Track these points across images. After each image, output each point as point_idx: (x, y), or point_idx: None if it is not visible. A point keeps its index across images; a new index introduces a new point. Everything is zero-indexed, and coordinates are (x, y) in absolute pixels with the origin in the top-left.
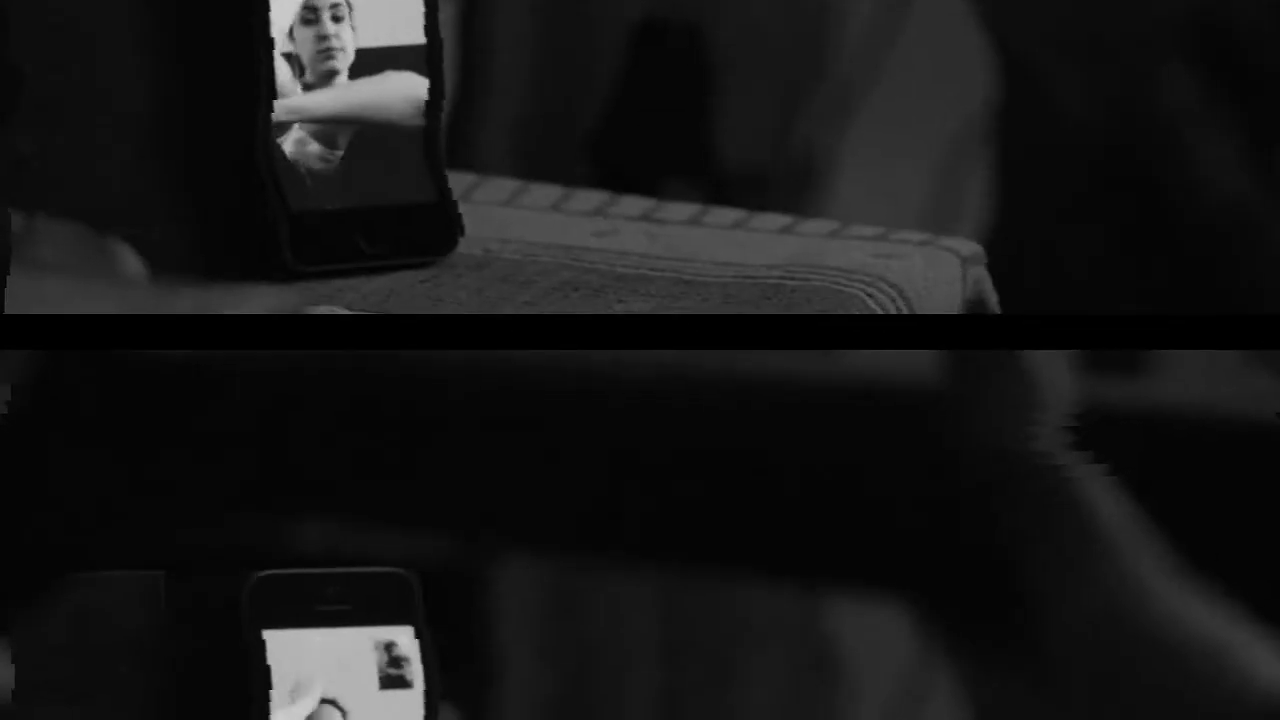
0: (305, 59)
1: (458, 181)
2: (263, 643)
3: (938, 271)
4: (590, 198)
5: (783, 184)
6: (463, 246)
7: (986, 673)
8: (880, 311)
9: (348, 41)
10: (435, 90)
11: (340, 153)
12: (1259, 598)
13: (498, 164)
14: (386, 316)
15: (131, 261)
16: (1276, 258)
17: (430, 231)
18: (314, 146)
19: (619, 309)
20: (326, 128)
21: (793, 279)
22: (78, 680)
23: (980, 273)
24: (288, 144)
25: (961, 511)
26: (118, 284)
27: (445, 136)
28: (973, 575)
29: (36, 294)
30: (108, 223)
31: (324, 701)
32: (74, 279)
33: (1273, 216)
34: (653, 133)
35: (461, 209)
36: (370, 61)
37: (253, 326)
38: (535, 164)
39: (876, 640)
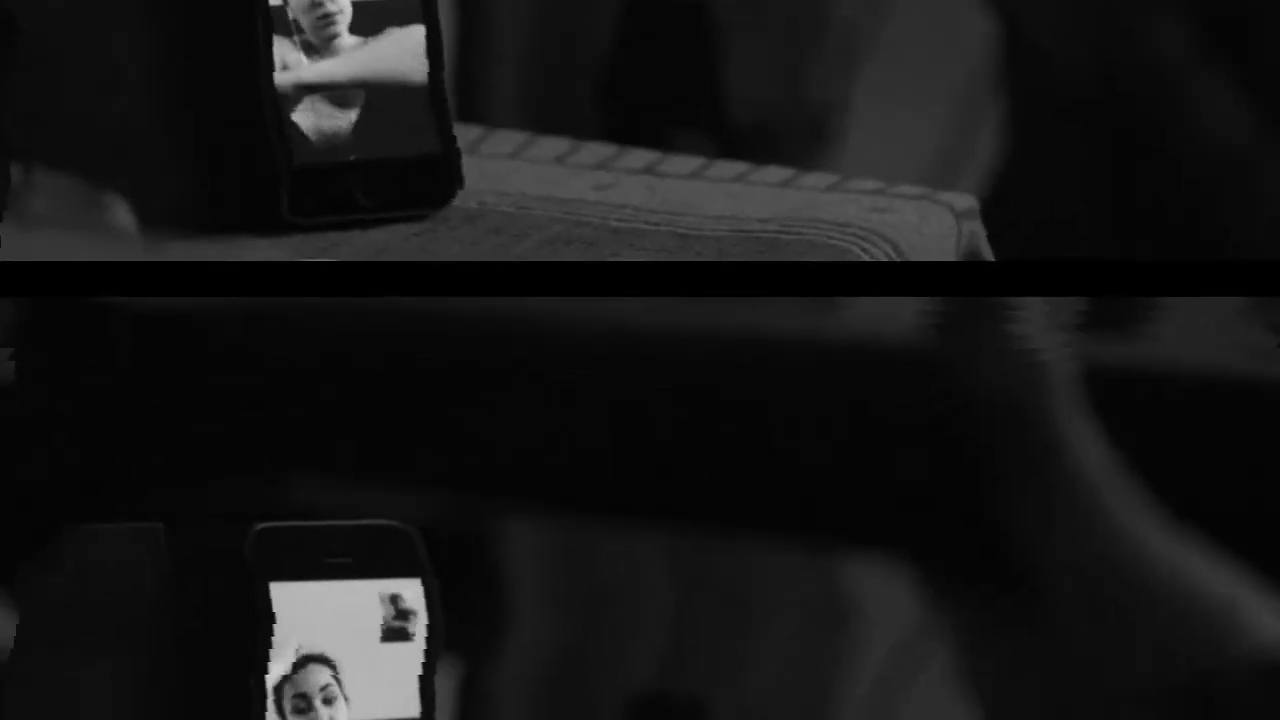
0: (305, 25)
1: (466, 134)
2: (268, 594)
3: (932, 226)
4: (596, 151)
5: (793, 134)
6: (459, 200)
7: (981, 625)
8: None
9: (344, 3)
10: (435, 41)
11: (354, 113)
12: (1253, 551)
13: (508, 117)
14: (380, 264)
15: (124, 215)
16: (1271, 207)
17: (429, 184)
18: (326, 108)
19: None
20: (338, 93)
21: (788, 233)
22: (77, 634)
23: (975, 227)
24: (299, 111)
25: (956, 467)
26: (109, 238)
27: (454, 90)
28: (967, 530)
29: (27, 247)
30: (105, 175)
31: (312, 658)
32: (65, 232)
33: (1268, 166)
34: (662, 84)
35: (466, 162)
36: (368, 16)
37: (245, 274)
38: (546, 116)
39: (883, 592)
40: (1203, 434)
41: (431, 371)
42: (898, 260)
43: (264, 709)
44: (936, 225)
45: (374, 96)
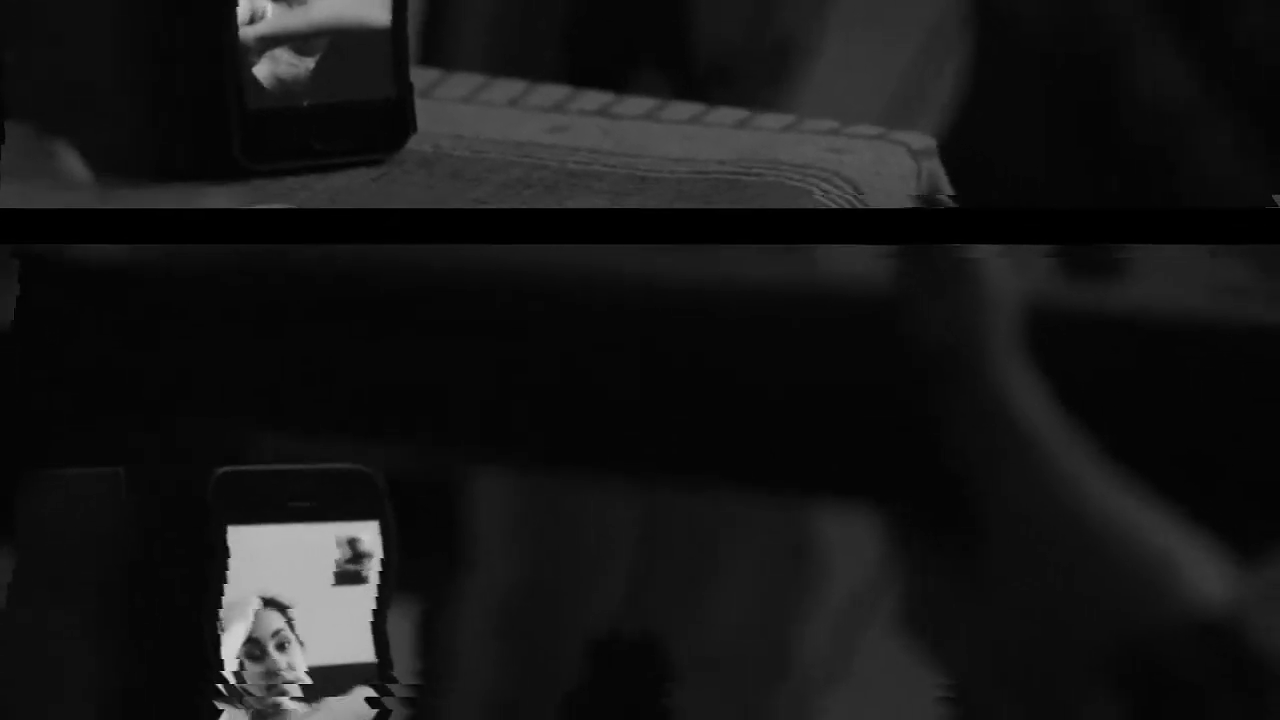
0: None
1: (422, 77)
2: (224, 538)
3: (890, 166)
4: (551, 93)
5: (754, 75)
6: (414, 143)
7: (931, 571)
8: (832, 206)
9: None
10: None
11: (313, 60)
12: (1200, 501)
13: (470, 59)
14: (336, 211)
15: (76, 165)
16: (1219, 158)
17: (383, 129)
18: (286, 55)
19: (569, 205)
20: (301, 42)
21: (747, 174)
22: (36, 577)
23: (935, 166)
24: (261, 62)
25: (910, 416)
26: (62, 186)
27: (416, 33)
28: (922, 477)
29: None
30: (57, 124)
31: (266, 603)
32: (18, 181)
33: (1216, 118)
34: (626, 24)
35: (420, 105)
36: None
37: (204, 221)
38: (508, 58)
39: (843, 537)
40: (1157, 381)
41: (396, 321)
42: (858, 201)
43: (218, 657)
44: (895, 165)
45: (337, 41)
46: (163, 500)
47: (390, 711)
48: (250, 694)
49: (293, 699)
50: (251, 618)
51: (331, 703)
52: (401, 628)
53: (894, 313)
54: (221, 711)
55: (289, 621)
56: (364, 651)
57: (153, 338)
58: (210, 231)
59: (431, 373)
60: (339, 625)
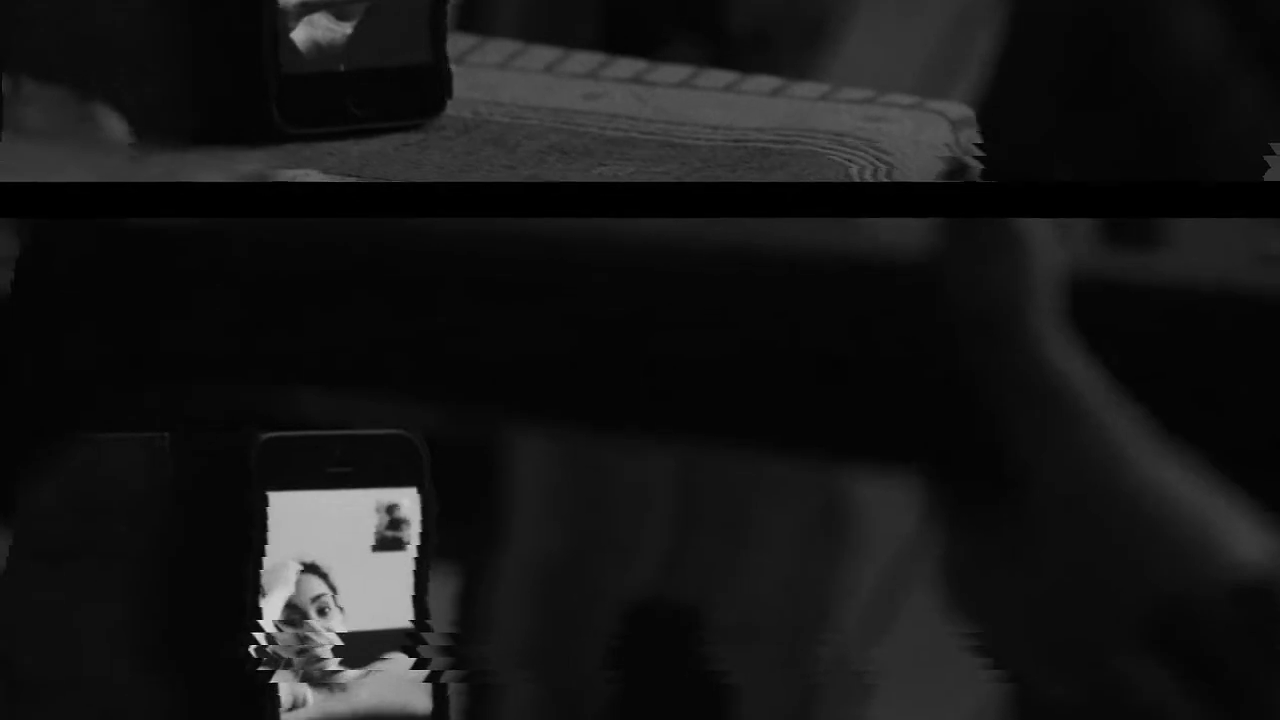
0: None
1: (458, 44)
2: (265, 504)
3: (927, 135)
4: (585, 60)
5: (789, 43)
6: (452, 109)
7: (970, 535)
8: (859, 175)
9: None
10: None
11: (350, 25)
12: (1248, 472)
13: (506, 26)
14: (362, 185)
15: (115, 126)
16: (1243, 126)
17: (421, 94)
18: (324, 20)
19: (598, 173)
20: (338, 6)
21: (780, 143)
22: (74, 543)
23: (972, 135)
24: (300, 26)
25: (951, 379)
26: (99, 149)
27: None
28: (963, 442)
29: (19, 159)
30: (95, 87)
31: (306, 568)
32: (58, 144)
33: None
34: None
35: (456, 71)
36: None
37: (230, 194)
38: (543, 25)
39: (881, 504)
40: (1197, 349)
41: (436, 283)
42: (893, 169)
43: (258, 621)
44: (931, 134)
45: (375, 6)
46: (206, 466)
47: (442, 678)
48: (295, 658)
49: (339, 663)
50: (292, 583)
51: (379, 668)
52: (442, 594)
53: (934, 276)
54: (272, 675)
55: (330, 588)
56: (404, 617)
57: (193, 302)
58: (243, 205)
59: (471, 335)
60: (380, 591)
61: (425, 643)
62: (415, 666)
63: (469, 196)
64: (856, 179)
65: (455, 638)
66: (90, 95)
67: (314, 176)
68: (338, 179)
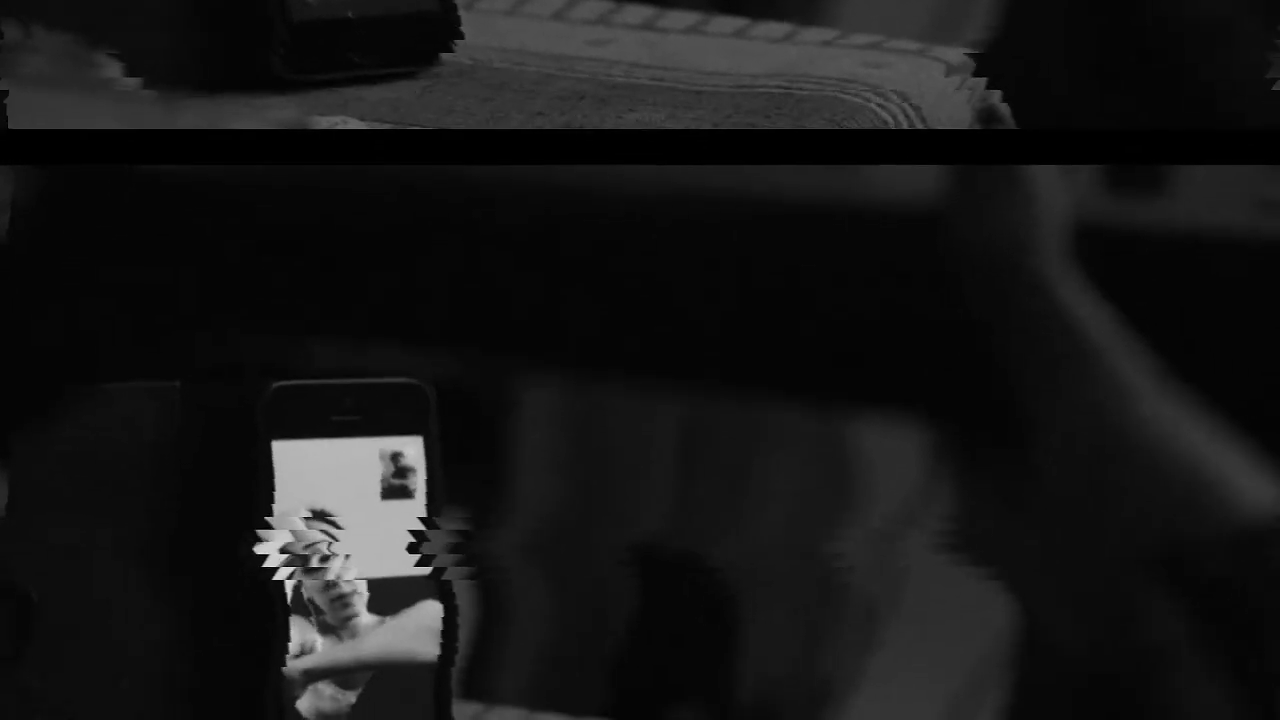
0: None
1: None
2: (270, 452)
3: (929, 81)
4: (593, 6)
5: None
6: (463, 57)
7: (978, 480)
8: (890, 120)
9: None
10: None
11: None
12: (1251, 416)
13: None
14: (390, 132)
15: (120, 74)
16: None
17: (427, 41)
18: None
19: (630, 118)
20: None
21: (800, 89)
22: (84, 490)
23: (976, 82)
24: None
25: (959, 325)
26: (106, 96)
27: None
28: (971, 387)
29: (33, 107)
30: (101, 34)
31: (315, 515)
32: (62, 91)
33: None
34: None
35: (463, 18)
36: None
37: (255, 141)
38: None
39: (887, 450)
40: (1207, 295)
41: (443, 231)
42: (913, 113)
43: (267, 566)
44: (933, 81)
45: None
46: (215, 415)
47: (457, 624)
48: (314, 606)
49: (360, 611)
50: (302, 531)
51: (400, 615)
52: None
53: (940, 222)
54: (288, 625)
55: (338, 535)
56: (414, 565)
57: (204, 250)
58: (258, 153)
59: (479, 282)
60: (389, 539)
61: (445, 591)
62: (435, 614)
63: (491, 145)
64: (890, 123)
65: (468, 583)
66: (97, 42)
67: (352, 123)
68: (375, 125)
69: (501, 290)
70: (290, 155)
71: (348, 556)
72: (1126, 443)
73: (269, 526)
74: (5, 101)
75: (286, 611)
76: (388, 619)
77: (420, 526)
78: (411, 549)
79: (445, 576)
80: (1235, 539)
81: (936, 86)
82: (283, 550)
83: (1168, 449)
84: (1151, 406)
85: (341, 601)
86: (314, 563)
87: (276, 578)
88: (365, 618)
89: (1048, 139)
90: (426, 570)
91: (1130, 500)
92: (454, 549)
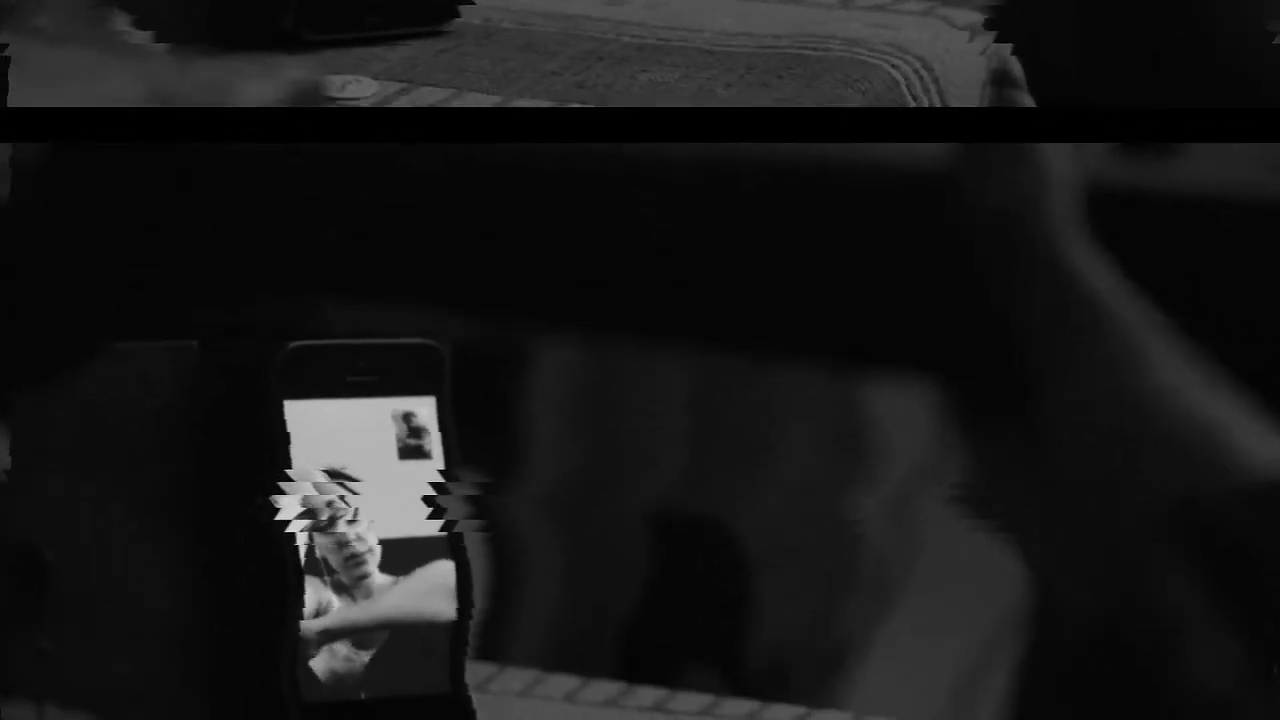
0: None
1: None
2: (282, 412)
3: (944, 42)
4: None
5: None
6: (476, 19)
7: (984, 441)
8: (902, 80)
9: None
10: None
11: None
12: (1264, 382)
13: None
14: (402, 111)
15: (130, 30)
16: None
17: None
18: None
19: (645, 79)
20: None
21: (815, 50)
22: (102, 448)
23: (988, 41)
24: None
25: (974, 290)
26: (129, 53)
27: None
28: (982, 354)
29: (43, 63)
30: None
31: (330, 474)
32: (70, 47)
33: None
34: None
35: None
36: None
37: (266, 119)
38: None
39: (901, 411)
40: (1218, 257)
41: (459, 195)
42: (928, 76)
43: (282, 526)
44: (950, 41)
45: None
46: (232, 374)
47: (471, 583)
48: (327, 565)
49: (373, 570)
50: (318, 491)
51: (413, 575)
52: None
53: (951, 183)
54: (302, 584)
55: (355, 495)
56: (432, 525)
57: (222, 211)
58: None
59: (496, 245)
60: (407, 499)
61: (459, 551)
62: (450, 573)
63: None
64: (902, 83)
65: (485, 542)
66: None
67: (366, 84)
68: (390, 84)
69: (518, 253)
70: (294, 133)
71: (363, 516)
72: (1137, 405)
73: (283, 486)
74: (10, 56)
75: (300, 571)
76: (400, 579)
77: (434, 487)
78: (426, 509)
79: (459, 537)
80: (1246, 498)
81: (950, 46)
82: (300, 509)
83: (1178, 410)
84: (1162, 369)
85: (355, 561)
86: (331, 521)
87: (291, 537)
88: (378, 577)
89: (1060, 118)
90: (441, 530)
91: (1141, 461)
92: (468, 509)
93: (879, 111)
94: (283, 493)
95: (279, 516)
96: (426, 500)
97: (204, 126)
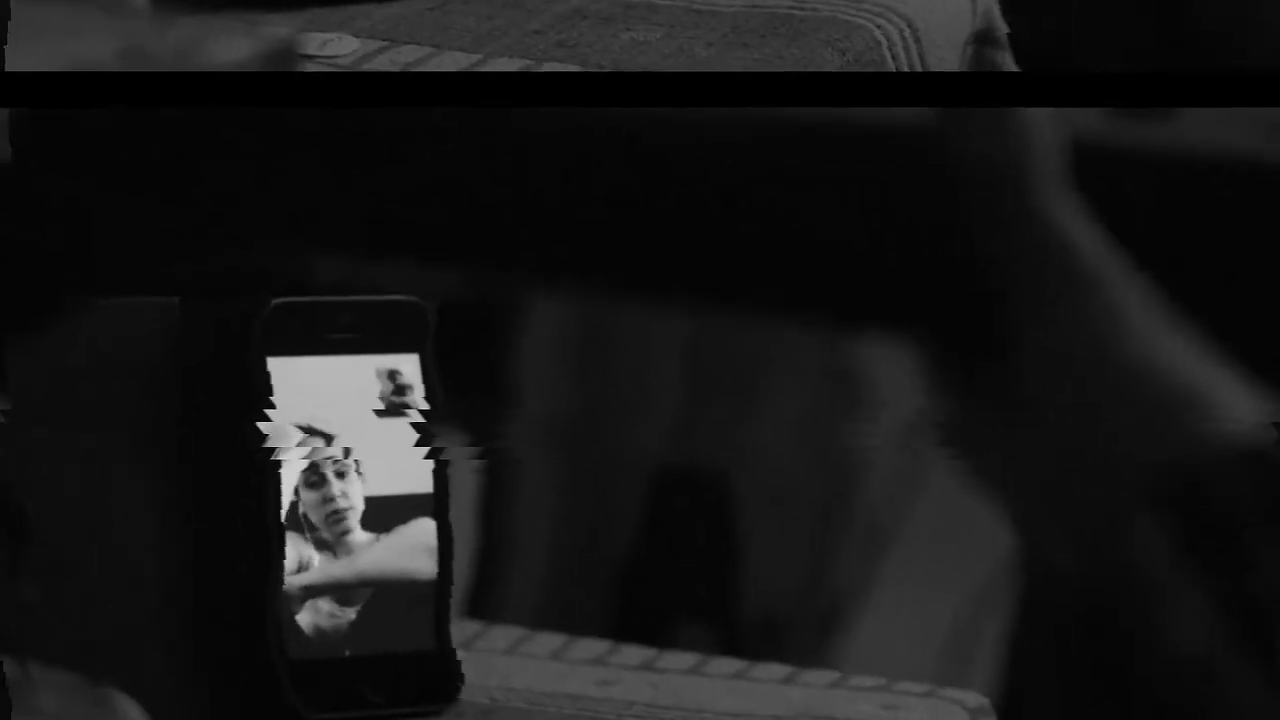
0: None
1: None
2: (265, 369)
3: (946, 4)
4: None
5: None
6: None
7: (966, 400)
8: (884, 40)
9: None
10: None
11: None
12: (1247, 343)
13: None
14: (384, 76)
15: None
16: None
17: None
18: None
19: (626, 38)
20: None
21: (801, 9)
22: (83, 405)
23: (989, 3)
24: None
25: (951, 243)
26: (111, 9)
27: None
28: (963, 306)
29: (23, 19)
30: None
31: (314, 431)
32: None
33: None
34: None
35: None
36: None
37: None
38: None
39: (894, 368)
40: (1197, 215)
41: (450, 147)
42: (911, 36)
43: (277, 481)
44: (950, 2)
45: None
46: (216, 331)
47: (452, 540)
48: (308, 522)
49: (354, 527)
50: (307, 447)
51: (394, 532)
52: (458, 461)
53: (937, 140)
54: (284, 540)
55: (345, 451)
56: (424, 482)
57: (207, 166)
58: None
59: (485, 198)
60: (394, 457)
61: (443, 510)
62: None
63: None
64: (884, 44)
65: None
66: None
67: (347, 41)
68: (371, 42)
69: (508, 206)
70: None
71: (352, 471)
72: (1115, 363)
73: (265, 443)
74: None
75: (281, 527)
76: (381, 536)
77: (418, 444)
78: (409, 466)
79: (441, 495)
80: (1227, 459)
81: (937, 6)
82: (291, 464)
83: (1158, 371)
84: (1142, 327)
85: (336, 517)
86: (322, 479)
87: (276, 493)
88: (359, 534)
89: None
90: (423, 488)
91: (1122, 422)
92: (454, 465)
93: (856, 76)
94: (265, 448)
95: (262, 474)
96: (409, 458)
97: (186, 91)
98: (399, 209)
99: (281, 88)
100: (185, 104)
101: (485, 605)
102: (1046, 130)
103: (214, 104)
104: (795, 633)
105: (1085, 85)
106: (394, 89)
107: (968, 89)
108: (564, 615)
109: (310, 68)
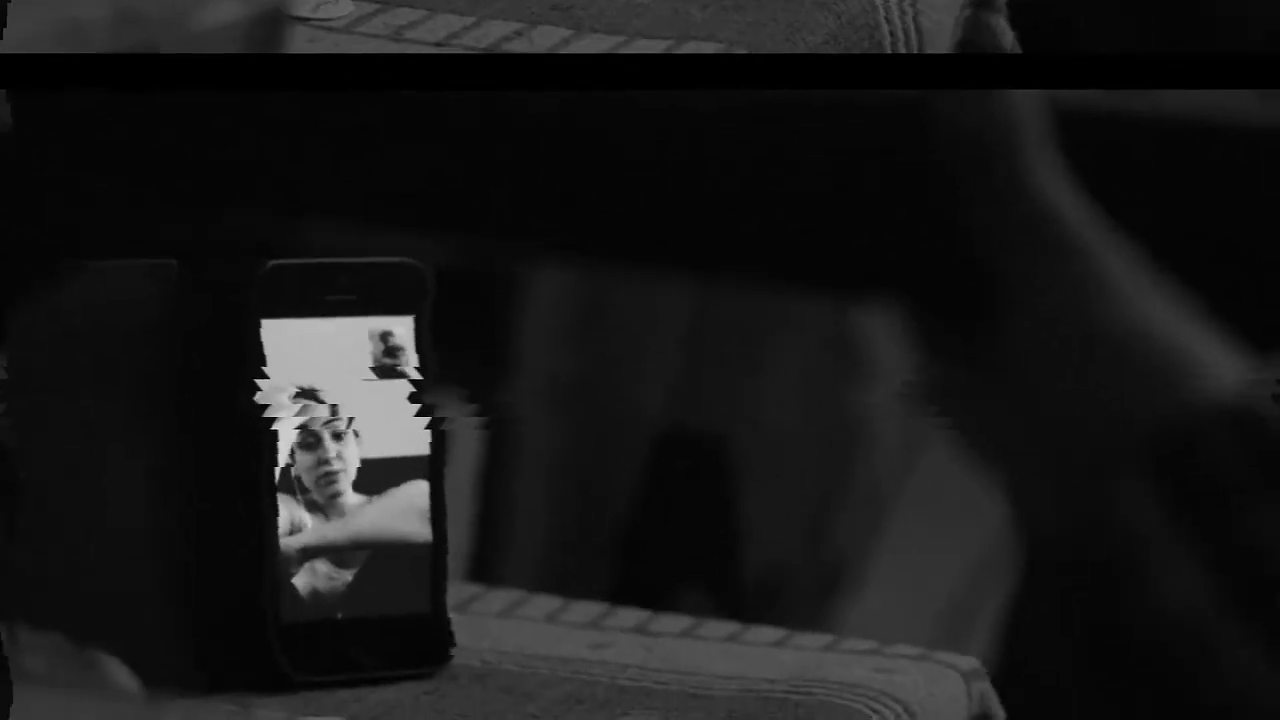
0: None
1: None
2: (259, 330)
3: None
4: None
5: None
6: None
7: (953, 366)
8: (882, 5)
9: None
10: None
11: None
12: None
13: None
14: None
15: None
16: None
17: None
18: None
19: (622, 1)
20: None
21: None
22: (79, 367)
23: None
24: None
25: (942, 215)
26: None
27: None
28: (947, 274)
29: None
30: None
31: (305, 393)
32: None
33: None
34: None
35: None
36: None
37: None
38: None
39: (895, 336)
40: (1187, 177)
41: (450, 113)
42: (909, 6)
43: (272, 443)
44: None
45: None
46: (212, 292)
47: (445, 503)
48: (300, 484)
49: (345, 489)
50: (301, 408)
51: (386, 495)
52: (457, 425)
53: (924, 109)
54: (276, 502)
55: (338, 412)
56: (417, 445)
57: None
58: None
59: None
60: (389, 419)
61: (439, 472)
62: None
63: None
64: (879, 6)
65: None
66: None
67: (342, 3)
68: (366, 4)
69: (510, 174)
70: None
71: (348, 433)
72: (1102, 328)
73: (259, 404)
74: None
75: (274, 489)
76: (374, 498)
77: (411, 405)
78: (402, 428)
79: (436, 457)
80: (1211, 424)
81: None
82: (287, 426)
83: (1147, 335)
84: (1129, 293)
85: (328, 479)
86: (317, 440)
87: (271, 455)
88: (351, 497)
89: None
90: (419, 451)
91: (1111, 387)
92: (454, 429)
93: (848, 58)
94: (260, 410)
95: (264, 431)
96: (406, 421)
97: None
98: (399, 179)
99: (276, 70)
100: (181, 87)
101: (486, 569)
102: (1033, 99)
103: (209, 88)
104: (794, 598)
105: (1079, 67)
106: (391, 74)
107: (958, 70)
108: (563, 580)
109: (303, 30)
